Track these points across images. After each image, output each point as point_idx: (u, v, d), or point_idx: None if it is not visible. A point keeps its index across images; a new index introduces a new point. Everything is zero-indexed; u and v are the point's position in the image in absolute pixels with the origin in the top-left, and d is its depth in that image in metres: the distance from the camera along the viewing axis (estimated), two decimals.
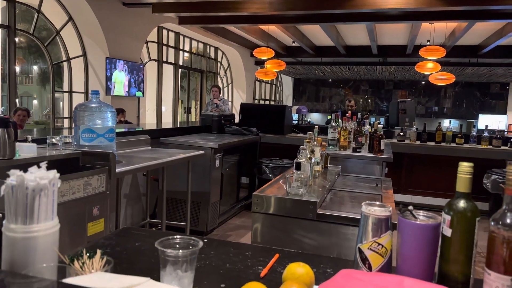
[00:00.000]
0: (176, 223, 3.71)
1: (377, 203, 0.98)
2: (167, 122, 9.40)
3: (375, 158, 3.33)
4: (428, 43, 9.39)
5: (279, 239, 2.01)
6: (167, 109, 9.86)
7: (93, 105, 2.75)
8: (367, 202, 1.00)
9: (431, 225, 0.92)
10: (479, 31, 8.79)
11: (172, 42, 9.58)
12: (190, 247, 0.88)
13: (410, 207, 0.97)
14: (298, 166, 2.09)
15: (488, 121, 14.48)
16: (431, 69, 8.52)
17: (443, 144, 5.36)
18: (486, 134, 5.21)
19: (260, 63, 13.66)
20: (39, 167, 0.79)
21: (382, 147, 3.37)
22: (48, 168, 2.26)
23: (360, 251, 0.97)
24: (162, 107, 9.42)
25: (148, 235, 1.22)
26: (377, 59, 12.18)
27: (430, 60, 8.48)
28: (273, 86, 16.11)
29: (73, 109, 2.82)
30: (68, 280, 0.69)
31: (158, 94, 9.24)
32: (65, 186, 2.12)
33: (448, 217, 0.91)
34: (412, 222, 0.93)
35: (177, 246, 0.88)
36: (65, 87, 7.26)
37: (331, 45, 11.19)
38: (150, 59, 8.95)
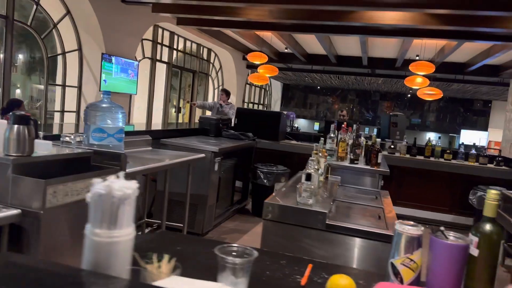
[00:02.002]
0: (173, 224, 3.76)
1: (410, 222, 1.08)
2: (157, 122, 9.41)
3: (372, 171, 3.44)
4: (418, 58, 9.64)
5: (287, 247, 2.10)
6: (158, 108, 9.86)
7: (105, 105, 2.79)
8: (400, 221, 1.09)
9: (461, 245, 1.02)
10: (467, 50, 9.08)
11: (166, 41, 9.60)
12: (245, 256, 0.95)
13: (442, 228, 1.06)
14: (309, 177, 2.18)
15: (469, 137, 14.90)
16: (420, 84, 8.76)
17: (432, 158, 5.54)
18: (473, 151, 5.41)
19: (251, 66, 13.76)
20: (117, 177, 0.86)
21: (379, 160, 3.49)
22: (61, 166, 2.30)
23: (393, 266, 1.06)
24: (153, 106, 9.42)
25: (186, 240, 1.29)
26: (366, 70, 12.43)
27: (419, 75, 8.72)
28: (263, 90, 16.23)
29: (84, 108, 2.85)
30: (159, 283, 0.76)
31: (150, 92, 9.24)
32: (81, 184, 2.16)
33: (475, 239, 1.01)
34: (444, 242, 1.03)
35: (234, 253, 0.96)
36: (58, 80, 7.20)
37: (323, 54, 11.36)
38: (144, 57, 8.94)
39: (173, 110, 10.71)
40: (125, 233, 0.82)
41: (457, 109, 15.98)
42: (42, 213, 1.93)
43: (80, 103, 7.31)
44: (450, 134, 15.70)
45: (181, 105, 10.79)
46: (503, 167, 5.35)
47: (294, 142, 5.66)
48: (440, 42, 8.81)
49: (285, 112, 13.75)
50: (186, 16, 7.14)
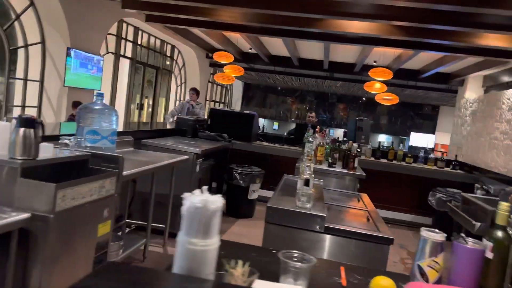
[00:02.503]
0: (155, 224, 3.78)
1: (435, 230, 1.24)
2: (120, 120, 9.23)
3: (350, 174, 3.66)
4: (375, 63, 10.12)
5: (288, 248, 2.23)
6: (121, 105, 9.67)
7: (98, 107, 2.79)
8: (424, 228, 1.25)
9: (479, 249, 1.20)
10: (422, 58, 9.63)
11: (130, 36, 9.43)
12: (304, 261, 1.07)
13: (462, 234, 1.24)
14: (307, 183, 2.32)
15: (418, 139, 15.78)
16: (379, 89, 9.20)
17: (394, 162, 5.90)
18: (432, 156, 5.82)
19: (214, 65, 13.77)
20: (202, 192, 0.95)
21: (355, 165, 3.70)
22: (59, 169, 2.31)
23: (420, 267, 1.22)
24: (116, 102, 9.23)
25: (229, 246, 1.38)
26: (326, 74, 12.83)
27: (378, 80, 9.15)
28: (224, 88, 16.28)
29: (77, 109, 2.83)
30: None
31: (112, 89, 9.04)
32: (86, 188, 2.18)
33: (490, 244, 1.19)
34: (465, 246, 1.20)
35: (295, 259, 1.07)
36: (18, 74, 6.90)
37: (286, 56, 11.61)
38: (107, 52, 8.74)
39: (135, 107, 10.53)
40: (215, 242, 0.92)
41: (407, 113, 16.87)
42: (52, 217, 1.94)
43: (42, 98, 7.05)
44: (401, 136, 16.53)
45: (143, 102, 10.63)
46: (459, 171, 5.80)
47: (265, 143, 5.80)
48: (397, 50, 9.29)
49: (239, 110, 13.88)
50: (155, 14, 7.06)
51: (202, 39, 11.08)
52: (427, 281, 1.21)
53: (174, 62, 12.11)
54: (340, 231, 2.21)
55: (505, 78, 9.48)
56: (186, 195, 0.92)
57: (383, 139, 16.82)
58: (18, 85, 6.91)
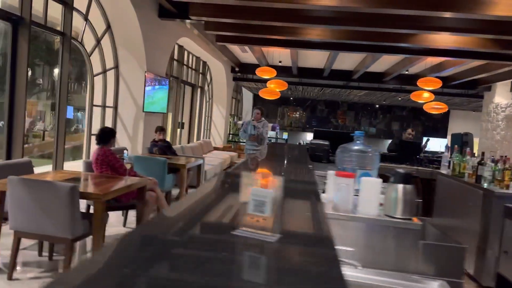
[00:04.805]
0: None
1: None
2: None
3: None
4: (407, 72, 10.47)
5: None
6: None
7: (356, 147, 2.72)
8: None
9: None
10: (385, 61, 9.79)
11: (175, 56, 9.21)
12: None
13: None
14: None
15: (433, 143, 16.17)
16: (427, 99, 9.39)
17: None
18: None
19: (238, 79, 13.67)
20: None
21: None
22: None
23: None
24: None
25: None
26: (343, 83, 13.07)
27: (427, 90, 9.34)
28: (236, 100, 16.15)
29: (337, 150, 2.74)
30: None
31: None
32: None
33: None
34: None
35: None
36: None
37: (313, 67, 11.76)
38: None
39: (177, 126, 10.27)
40: None
41: (419, 118, 17.35)
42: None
43: (116, 124, 6.75)
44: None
45: (184, 120, 10.38)
46: None
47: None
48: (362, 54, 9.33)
49: (271, 124, 13.87)
50: (242, 35, 6.88)
51: (231, 52, 10.97)
52: None
53: (206, 78, 11.88)
54: None
55: None
56: None
57: None
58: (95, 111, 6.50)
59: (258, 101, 17.86)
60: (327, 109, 17.62)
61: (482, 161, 3.90)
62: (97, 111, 6.46)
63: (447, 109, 9.50)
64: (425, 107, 9.60)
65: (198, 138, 11.31)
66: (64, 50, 5.25)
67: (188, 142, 10.46)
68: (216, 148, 11.60)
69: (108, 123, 6.61)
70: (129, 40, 6.49)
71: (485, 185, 3.78)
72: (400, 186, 1.93)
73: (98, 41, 6.19)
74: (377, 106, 17.18)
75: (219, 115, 12.80)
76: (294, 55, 9.58)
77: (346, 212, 1.92)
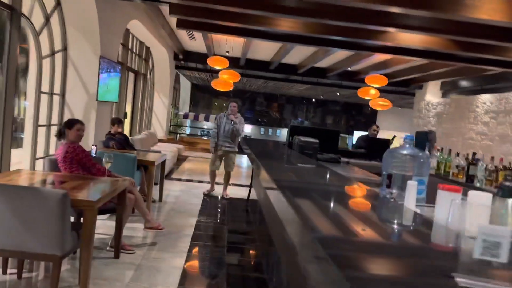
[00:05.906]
0: None
1: None
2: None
3: None
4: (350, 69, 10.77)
5: None
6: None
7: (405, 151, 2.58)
8: None
9: None
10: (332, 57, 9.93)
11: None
12: None
13: None
14: None
15: None
16: (373, 95, 9.68)
17: None
18: None
19: (178, 67, 13.05)
20: None
21: None
22: None
23: None
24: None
25: None
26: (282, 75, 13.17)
27: (373, 87, 9.62)
28: (175, 90, 15.49)
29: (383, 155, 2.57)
30: None
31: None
32: None
33: None
34: None
35: None
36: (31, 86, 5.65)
37: (263, 60, 11.58)
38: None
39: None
40: None
41: (350, 113, 18.03)
42: None
43: (63, 113, 5.98)
44: (345, 135, 17.63)
45: (126, 110, 9.63)
46: None
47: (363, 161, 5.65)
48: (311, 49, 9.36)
49: (188, 113, 13.43)
50: (201, 20, 6.43)
51: (177, 39, 10.39)
52: None
53: (148, 65, 11.12)
54: None
55: (464, 84, 10.79)
56: None
57: None
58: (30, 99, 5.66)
59: (196, 90, 17.33)
60: (266, 101, 17.62)
61: (474, 161, 4.00)
62: (43, 99, 5.64)
63: (391, 106, 9.89)
64: (371, 103, 9.90)
65: (140, 130, 10.59)
66: (12, 28, 4.46)
67: (131, 134, 9.75)
68: (160, 140, 10.97)
69: (55, 113, 5.84)
70: (82, 19, 5.76)
71: (478, 184, 3.88)
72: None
73: (47, 19, 5.39)
74: (313, 100, 17.55)
75: (161, 104, 12.13)
76: (247, 46, 9.30)
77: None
